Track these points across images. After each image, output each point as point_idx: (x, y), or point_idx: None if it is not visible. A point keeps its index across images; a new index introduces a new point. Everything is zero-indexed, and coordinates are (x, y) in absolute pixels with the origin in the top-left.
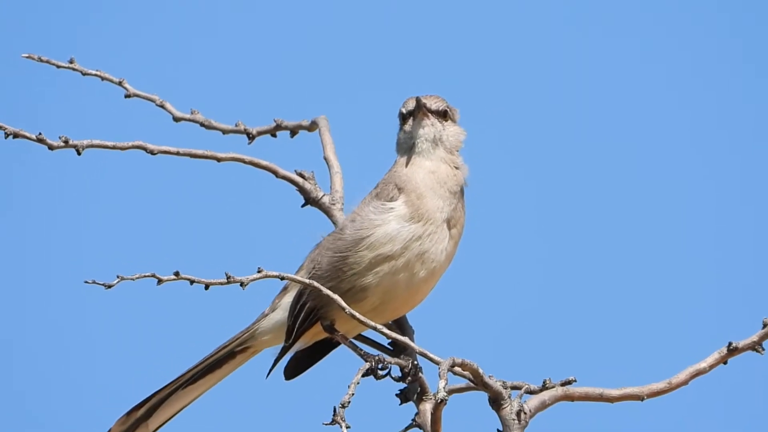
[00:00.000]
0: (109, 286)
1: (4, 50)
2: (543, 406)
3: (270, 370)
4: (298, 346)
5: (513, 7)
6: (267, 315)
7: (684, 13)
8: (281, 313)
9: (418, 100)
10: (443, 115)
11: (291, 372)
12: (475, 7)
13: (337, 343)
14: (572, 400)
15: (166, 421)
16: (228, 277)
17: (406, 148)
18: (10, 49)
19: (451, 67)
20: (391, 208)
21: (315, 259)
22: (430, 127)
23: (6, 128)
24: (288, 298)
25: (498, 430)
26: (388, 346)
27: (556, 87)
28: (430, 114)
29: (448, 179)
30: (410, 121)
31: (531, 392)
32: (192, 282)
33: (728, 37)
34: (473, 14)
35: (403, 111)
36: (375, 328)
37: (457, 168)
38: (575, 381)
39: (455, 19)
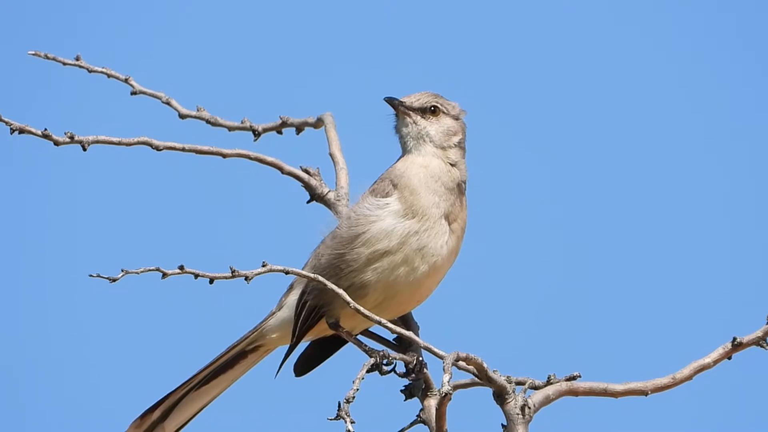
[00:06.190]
0: (114, 280)
1: (11, 47)
2: (547, 400)
3: (278, 370)
4: (307, 341)
5: (527, 6)
6: (274, 313)
7: (698, 9)
8: (287, 311)
9: (390, 101)
10: (432, 111)
11: (301, 368)
12: (487, 6)
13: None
14: (576, 395)
15: (183, 424)
16: (233, 271)
17: (401, 145)
18: (16, 46)
19: (461, 62)
20: (386, 204)
21: (317, 256)
22: (412, 125)
23: (12, 124)
24: (294, 297)
25: (502, 425)
26: (393, 342)
27: (566, 84)
28: (410, 112)
29: (442, 174)
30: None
31: (535, 387)
32: (196, 276)
33: (739, 34)
34: (484, 8)
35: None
36: (380, 323)
37: (452, 165)
38: (580, 377)
39: (465, 14)
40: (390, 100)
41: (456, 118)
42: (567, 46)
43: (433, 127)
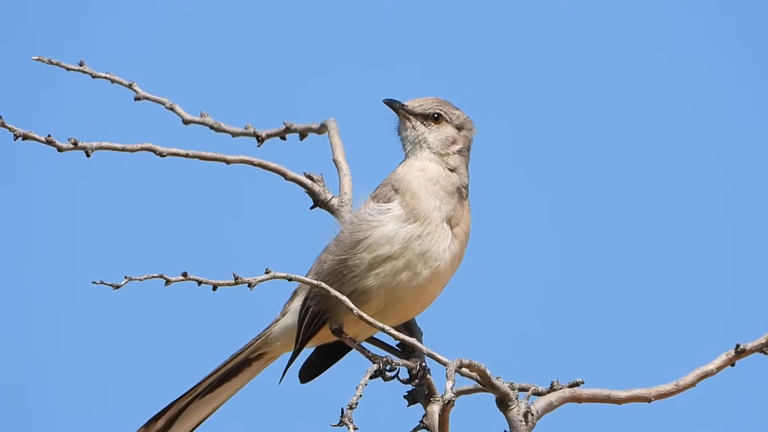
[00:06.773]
0: (117, 287)
1: (13, 51)
2: (550, 407)
3: (282, 376)
4: (311, 347)
5: (527, 6)
6: (278, 320)
7: (698, 9)
8: (291, 317)
9: (390, 103)
10: (434, 118)
11: (306, 375)
12: (488, 7)
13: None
14: (579, 402)
15: None
16: (236, 278)
17: (402, 147)
18: (18, 49)
19: (465, 63)
20: (388, 209)
21: (321, 262)
22: (410, 130)
23: (15, 130)
24: (297, 303)
25: (505, 431)
26: (397, 348)
27: (566, 84)
28: (411, 117)
29: (440, 178)
30: None
31: (538, 394)
32: (200, 283)
33: (739, 34)
34: (486, 9)
35: None
36: (383, 329)
37: (451, 170)
38: (583, 383)
39: (467, 20)
40: (390, 103)
41: (459, 127)
42: (567, 46)
43: (432, 134)
